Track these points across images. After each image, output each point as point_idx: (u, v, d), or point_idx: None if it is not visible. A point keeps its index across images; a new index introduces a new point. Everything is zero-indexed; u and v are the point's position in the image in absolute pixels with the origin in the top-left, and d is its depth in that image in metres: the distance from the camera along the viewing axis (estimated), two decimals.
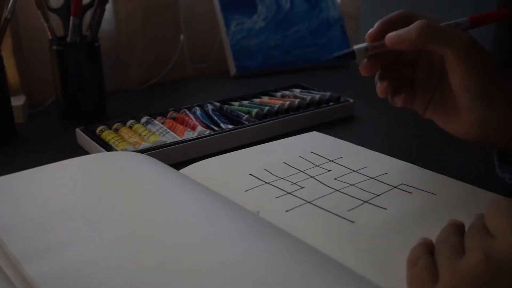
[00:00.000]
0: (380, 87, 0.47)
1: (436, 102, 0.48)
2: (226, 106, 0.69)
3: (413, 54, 0.48)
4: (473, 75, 0.42)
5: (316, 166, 0.51)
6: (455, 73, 0.43)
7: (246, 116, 0.65)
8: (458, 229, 0.34)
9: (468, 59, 0.42)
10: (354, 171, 0.50)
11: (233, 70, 0.95)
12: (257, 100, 0.74)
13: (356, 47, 0.46)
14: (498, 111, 0.43)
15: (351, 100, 0.72)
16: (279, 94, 0.76)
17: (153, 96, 0.86)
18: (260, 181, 0.48)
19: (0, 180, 0.45)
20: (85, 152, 0.61)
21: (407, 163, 0.51)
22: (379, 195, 0.45)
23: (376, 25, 0.46)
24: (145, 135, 0.61)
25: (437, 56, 0.47)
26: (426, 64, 0.48)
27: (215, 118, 0.66)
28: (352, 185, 0.47)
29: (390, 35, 0.44)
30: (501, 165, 0.46)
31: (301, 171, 0.50)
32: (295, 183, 0.47)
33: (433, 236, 0.35)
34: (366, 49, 0.46)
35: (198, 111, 0.68)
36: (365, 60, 0.47)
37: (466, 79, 0.42)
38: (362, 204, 0.43)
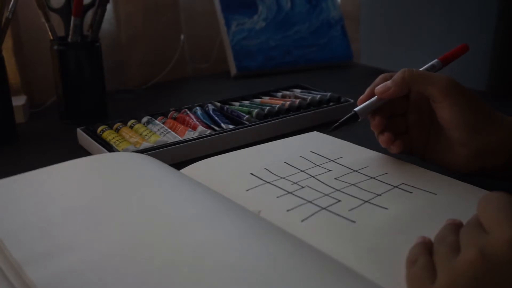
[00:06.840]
0: (382, 138, 0.51)
1: (431, 144, 0.51)
2: (227, 106, 0.70)
3: (403, 105, 0.52)
4: (459, 108, 0.46)
5: (317, 165, 0.51)
6: (442, 109, 0.47)
7: (247, 116, 0.66)
8: (456, 228, 0.34)
9: (452, 94, 0.46)
10: (355, 170, 0.50)
11: (233, 70, 0.95)
12: (257, 100, 0.74)
13: (357, 109, 0.52)
14: (489, 141, 0.46)
15: (351, 100, 0.72)
16: (279, 94, 0.76)
17: (153, 96, 0.86)
18: (261, 180, 0.48)
19: (1, 183, 0.44)
20: (86, 152, 0.61)
21: (408, 163, 0.51)
22: (379, 195, 0.45)
23: (365, 92, 0.52)
24: (146, 135, 0.61)
25: (424, 102, 0.51)
26: (415, 111, 0.52)
27: (216, 118, 0.66)
28: (353, 184, 0.47)
29: (378, 87, 0.50)
30: None
31: (302, 171, 0.50)
32: (296, 183, 0.47)
33: (433, 236, 0.35)
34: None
35: (199, 111, 0.68)
36: (371, 118, 0.52)
37: (453, 113, 0.46)
38: (363, 203, 0.43)
